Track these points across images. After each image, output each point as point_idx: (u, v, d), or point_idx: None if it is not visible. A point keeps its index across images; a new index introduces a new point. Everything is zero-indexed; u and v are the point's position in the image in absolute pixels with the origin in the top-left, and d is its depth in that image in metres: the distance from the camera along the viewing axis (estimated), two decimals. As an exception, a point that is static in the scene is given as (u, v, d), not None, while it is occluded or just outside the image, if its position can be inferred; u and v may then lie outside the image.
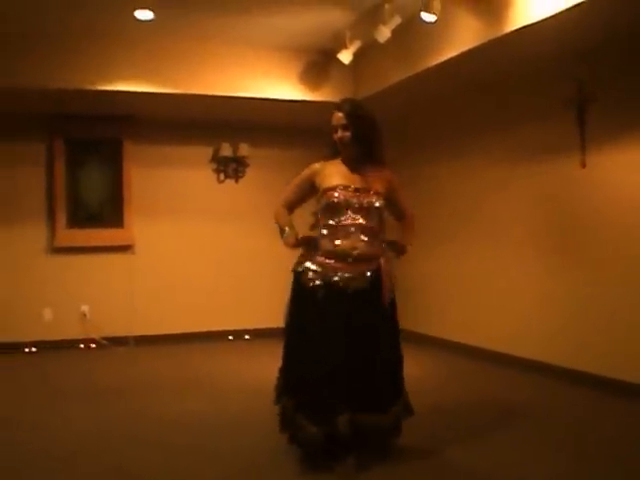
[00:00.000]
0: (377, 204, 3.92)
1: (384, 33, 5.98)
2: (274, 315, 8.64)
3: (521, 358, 6.55)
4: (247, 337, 8.67)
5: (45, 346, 7.96)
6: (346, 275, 3.82)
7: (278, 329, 8.45)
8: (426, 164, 8.18)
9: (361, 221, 3.86)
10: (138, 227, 8.33)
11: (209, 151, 8.73)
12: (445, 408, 5.23)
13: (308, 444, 3.81)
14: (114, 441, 4.49)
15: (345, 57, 6.71)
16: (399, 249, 4.16)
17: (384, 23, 5.97)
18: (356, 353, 3.80)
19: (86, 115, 8.05)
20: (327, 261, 3.86)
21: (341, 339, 3.76)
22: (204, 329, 8.51)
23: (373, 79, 7.31)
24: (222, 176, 8.79)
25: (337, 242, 3.84)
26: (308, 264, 3.92)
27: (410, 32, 6.31)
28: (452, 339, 7.58)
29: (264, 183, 8.79)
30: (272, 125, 8.63)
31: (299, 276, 3.95)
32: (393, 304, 4.03)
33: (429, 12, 5.48)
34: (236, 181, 8.82)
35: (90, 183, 8.26)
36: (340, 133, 3.97)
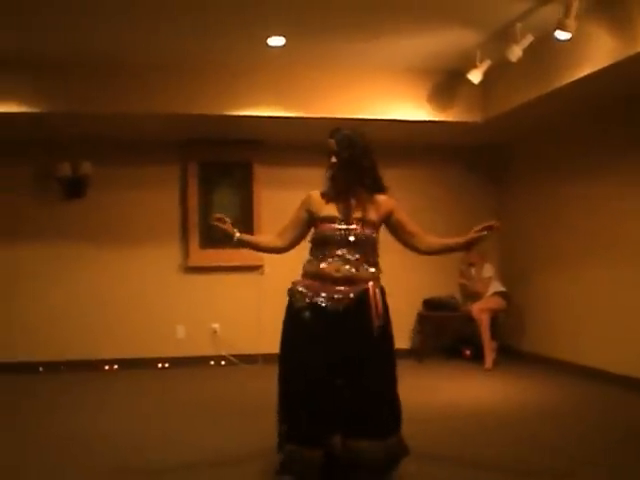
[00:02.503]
0: (364, 237, 3.80)
1: (516, 52, 5.90)
2: (399, 337, 8.69)
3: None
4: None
5: (177, 362, 8.22)
6: (329, 296, 3.74)
7: (402, 350, 8.58)
8: (553, 185, 7.99)
9: (347, 255, 3.75)
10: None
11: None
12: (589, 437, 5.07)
13: (302, 471, 3.70)
14: (245, 454, 4.58)
15: (475, 77, 6.66)
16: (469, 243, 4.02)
17: (516, 42, 5.90)
18: (342, 374, 3.71)
19: (218, 139, 8.31)
20: (311, 282, 3.78)
21: (322, 360, 3.66)
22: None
23: (502, 98, 7.21)
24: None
25: (321, 265, 3.76)
26: (297, 286, 3.84)
27: (542, 50, 6.19)
28: (583, 363, 7.34)
29: (391, 203, 8.82)
30: (399, 146, 8.63)
31: (289, 298, 3.86)
32: (385, 331, 3.85)
33: (564, 30, 5.36)
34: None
35: (221, 205, 8.48)
36: (332, 160, 3.83)
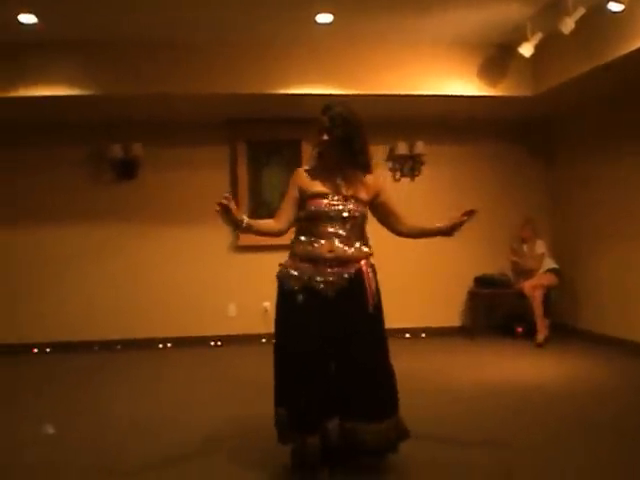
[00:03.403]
0: (357, 213, 3.77)
1: (568, 24, 5.81)
2: (450, 314, 8.73)
3: None
4: (423, 335, 8.66)
5: (229, 340, 8.32)
6: (323, 278, 3.68)
7: (453, 328, 8.58)
8: (603, 163, 7.86)
9: (340, 231, 3.71)
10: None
11: (385, 149, 8.77)
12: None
13: (305, 455, 3.67)
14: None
15: (526, 50, 6.56)
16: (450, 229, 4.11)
17: (568, 14, 5.80)
18: (337, 357, 3.68)
19: (266, 118, 8.33)
20: (304, 265, 3.71)
21: (317, 343, 3.62)
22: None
23: (553, 72, 7.09)
24: (398, 174, 8.82)
25: (312, 246, 3.69)
26: (289, 269, 3.76)
27: (594, 22, 6.06)
28: (635, 339, 7.23)
29: (440, 181, 8.79)
30: (449, 122, 8.58)
31: (280, 282, 3.80)
32: (378, 311, 3.86)
33: (618, 1, 5.26)
34: (412, 179, 8.82)
35: (271, 183, 8.54)
36: (324, 136, 3.76)
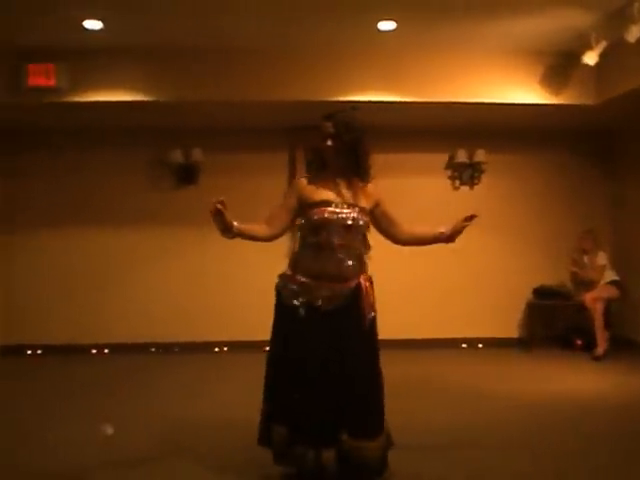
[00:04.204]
0: (361, 222, 3.73)
1: (634, 32, 5.71)
2: (508, 325, 8.62)
3: None
4: (480, 346, 8.57)
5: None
6: (324, 294, 3.63)
7: (511, 339, 8.47)
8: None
9: (342, 241, 3.64)
10: (375, 234, 8.41)
11: (444, 158, 8.73)
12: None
13: (309, 471, 3.60)
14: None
15: (590, 59, 6.47)
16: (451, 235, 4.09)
17: (634, 22, 5.70)
18: (338, 373, 3.60)
19: (326, 125, 8.34)
20: (305, 280, 3.66)
21: (318, 360, 3.57)
22: (435, 336, 8.51)
23: (617, 81, 6.95)
24: (457, 183, 8.76)
25: (316, 261, 3.65)
26: (288, 283, 3.73)
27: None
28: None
29: (500, 189, 8.70)
30: (510, 130, 8.48)
31: (279, 295, 3.78)
32: (373, 325, 3.79)
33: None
34: (471, 188, 8.75)
35: (329, 190, 8.55)
36: (328, 142, 3.75)
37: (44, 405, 5.77)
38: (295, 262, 3.80)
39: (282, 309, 3.77)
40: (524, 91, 7.34)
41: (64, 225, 8.49)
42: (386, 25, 6.37)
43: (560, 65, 7.31)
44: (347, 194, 3.78)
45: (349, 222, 3.69)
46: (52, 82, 6.91)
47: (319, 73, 7.17)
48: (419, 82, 7.19)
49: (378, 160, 8.53)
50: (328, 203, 3.71)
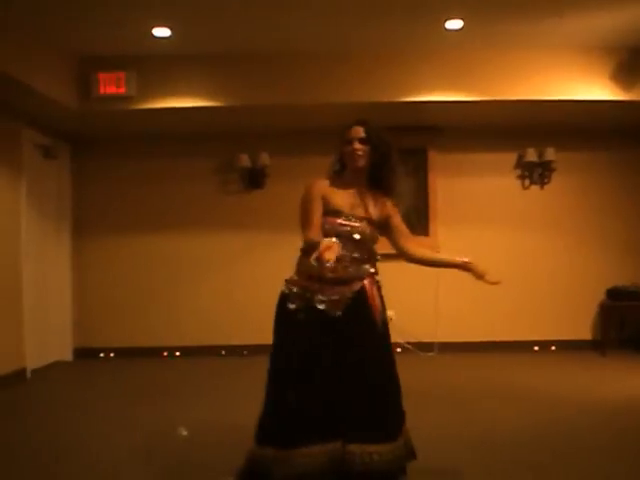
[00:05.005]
0: (367, 236, 3.59)
1: None
2: (581, 327, 8.45)
3: None
4: (553, 348, 8.41)
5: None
6: (326, 298, 3.50)
7: (584, 341, 8.29)
8: None
9: (348, 254, 3.50)
10: (443, 235, 8.41)
11: (513, 157, 8.60)
12: None
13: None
14: (424, 443, 4.57)
15: (664, 54, 6.30)
16: (470, 269, 3.93)
17: None
18: (345, 377, 3.44)
19: (391, 126, 8.27)
20: (307, 283, 3.55)
21: (319, 365, 3.43)
22: (507, 338, 8.39)
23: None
24: (527, 182, 8.62)
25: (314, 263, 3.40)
26: (290, 286, 3.63)
27: None
28: None
29: (571, 188, 8.54)
30: (580, 127, 8.31)
31: (281, 299, 3.68)
32: (385, 328, 3.62)
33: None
34: (541, 187, 8.59)
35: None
36: (356, 145, 3.63)
37: (115, 406, 5.87)
38: (299, 265, 3.70)
39: (282, 314, 3.70)
40: (594, 87, 7.17)
41: (135, 230, 8.63)
42: (453, 24, 6.30)
43: (631, 61, 7.12)
44: (361, 204, 3.66)
45: (356, 236, 3.57)
46: (122, 90, 7.04)
47: (386, 74, 7.13)
48: (487, 81, 7.10)
49: (448, 160, 8.55)
50: (338, 214, 3.60)
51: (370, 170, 3.69)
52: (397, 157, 3.77)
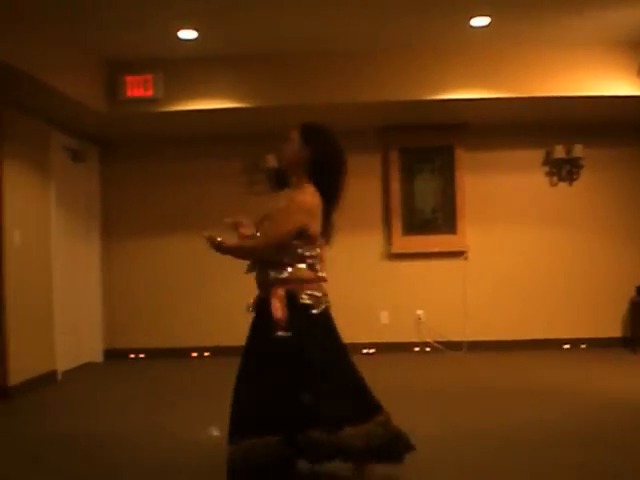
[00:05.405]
0: None
1: None
2: (611, 325, 8.37)
3: None
4: (583, 346, 8.33)
5: (382, 348, 8.31)
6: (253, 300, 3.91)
7: (615, 339, 8.21)
8: None
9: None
10: (471, 233, 8.38)
11: (541, 154, 8.53)
12: None
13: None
14: (456, 442, 4.56)
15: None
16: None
17: None
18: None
19: (418, 125, 8.28)
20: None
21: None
22: (537, 337, 8.34)
23: None
24: (555, 179, 8.55)
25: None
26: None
27: None
28: None
29: (600, 184, 8.47)
30: (608, 124, 8.23)
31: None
32: (281, 342, 3.68)
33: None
34: (570, 184, 8.52)
35: (423, 191, 8.49)
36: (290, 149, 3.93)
37: (145, 407, 5.90)
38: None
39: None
40: (622, 83, 7.09)
41: (162, 232, 8.68)
42: (479, 21, 6.26)
43: (661, 55, 7.06)
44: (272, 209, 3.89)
45: None
46: (149, 92, 7.08)
47: (412, 72, 7.10)
48: (514, 78, 7.04)
49: (475, 157, 8.50)
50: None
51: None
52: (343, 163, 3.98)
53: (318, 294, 3.75)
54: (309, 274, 3.76)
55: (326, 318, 3.79)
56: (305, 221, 3.68)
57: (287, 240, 3.69)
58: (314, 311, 3.68)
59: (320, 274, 3.85)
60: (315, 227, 3.74)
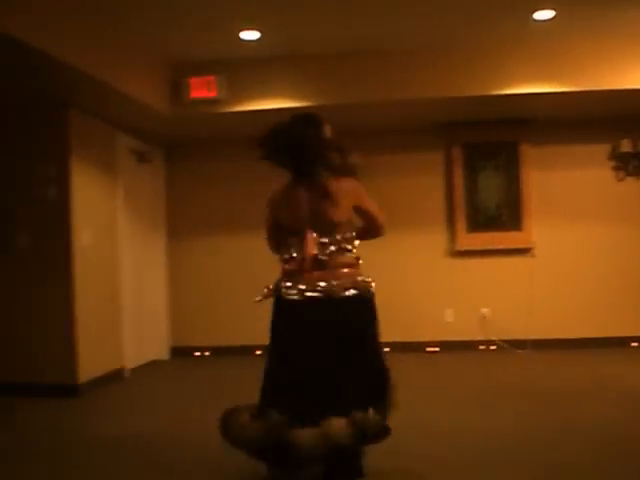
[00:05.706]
0: None
1: None
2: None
3: None
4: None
5: (446, 346, 8.26)
6: None
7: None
8: None
9: None
10: (537, 229, 8.26)
11: (607, 148, 8.36)
12: None
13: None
14: (523, 443, 4.50)
15: None
16: None
17: None
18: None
19: (482, 120, 8.20)
20: None
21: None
22: (603, 334, 8.17)
23: None
24: (622, 174, 8.37)
25: None
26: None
27: None
28: None
29: (670, 179, 8.28)
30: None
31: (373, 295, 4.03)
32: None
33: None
34: (637, 178, 8.33)
35: (488, 187, 8.40)
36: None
37: (211, 404, 5.96)
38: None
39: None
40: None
41: (226, 230, 8.77)
42: (543, 14, 6.16)
43: None
44: None
45: None
46: (213, 93, 7.15)
47: (475, 68, 7.02)
48: (579, 71, 6.90)
49: (540, 153, 8.36)
50: None
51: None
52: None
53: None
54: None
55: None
56: None
57: None
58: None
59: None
60: None
